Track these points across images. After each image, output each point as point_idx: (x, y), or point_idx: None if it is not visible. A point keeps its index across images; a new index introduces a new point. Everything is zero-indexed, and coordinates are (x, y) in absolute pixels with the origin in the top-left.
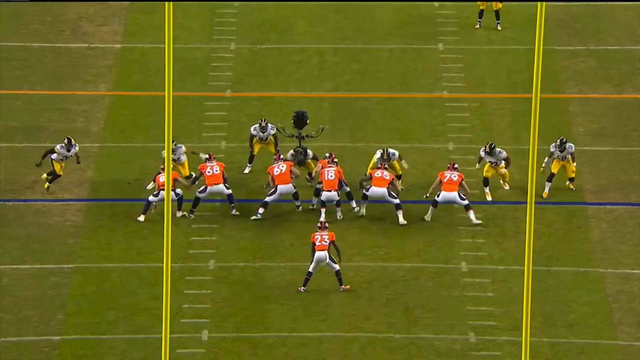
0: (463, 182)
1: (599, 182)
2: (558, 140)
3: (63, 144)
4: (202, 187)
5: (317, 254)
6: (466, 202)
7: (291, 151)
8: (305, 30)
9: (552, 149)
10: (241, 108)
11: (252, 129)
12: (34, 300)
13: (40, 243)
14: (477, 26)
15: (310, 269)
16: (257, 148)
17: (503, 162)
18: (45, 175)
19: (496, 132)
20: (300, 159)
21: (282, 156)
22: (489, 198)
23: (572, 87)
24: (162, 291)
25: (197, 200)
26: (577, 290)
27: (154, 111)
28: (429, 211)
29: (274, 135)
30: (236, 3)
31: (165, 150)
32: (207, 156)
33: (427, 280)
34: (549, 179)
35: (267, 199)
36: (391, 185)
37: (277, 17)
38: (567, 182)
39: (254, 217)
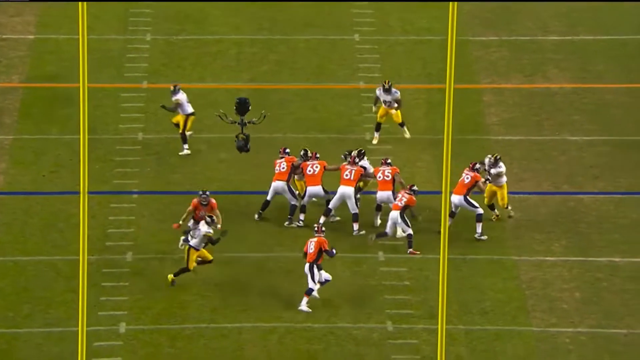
0: (480, 182)
1: (512, 171)
2: None
3: (205, 224)
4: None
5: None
6: (479, 211)
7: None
8: (221, 21)
9: None
10: (158, 99)
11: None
12: None
13: None
14: None
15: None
16: None
17: (395, 104)
18: (171, 276)
19: (412, 122)
20: (240, 145)
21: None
22: (375, 142)
23: (485, 77)
24: (78, 284)
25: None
26: (491, 278)
27: (69, 103)
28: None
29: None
30: None
31: (81, 145)
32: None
33: (345, 269)
34: None
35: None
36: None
37: (192, 7)
38: None
39: (297, 225)
